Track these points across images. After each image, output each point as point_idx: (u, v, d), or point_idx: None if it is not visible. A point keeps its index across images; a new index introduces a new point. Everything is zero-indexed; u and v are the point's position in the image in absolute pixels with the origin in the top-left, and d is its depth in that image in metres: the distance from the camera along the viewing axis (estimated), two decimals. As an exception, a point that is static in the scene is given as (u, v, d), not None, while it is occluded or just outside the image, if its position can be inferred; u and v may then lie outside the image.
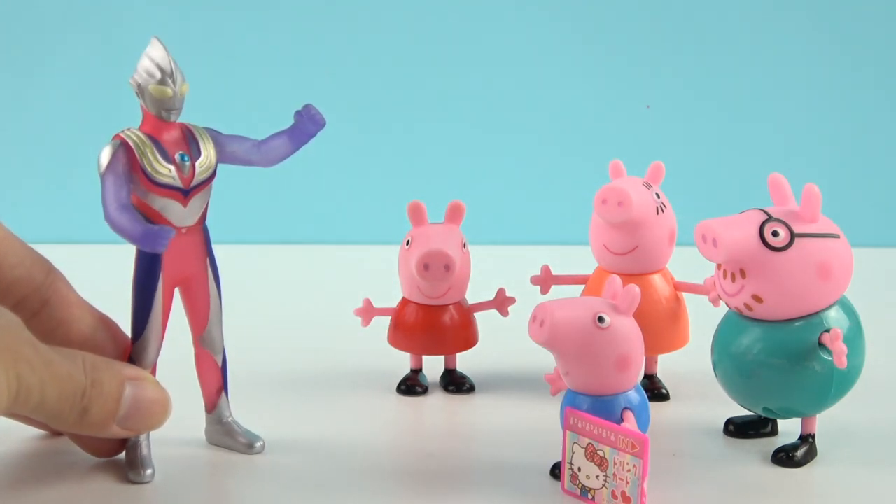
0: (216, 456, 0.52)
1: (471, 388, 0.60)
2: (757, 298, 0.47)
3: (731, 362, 0.49)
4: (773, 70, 0.92)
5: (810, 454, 0.50)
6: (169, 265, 0.48)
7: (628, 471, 0.45)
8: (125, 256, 0.49)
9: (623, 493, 0.46)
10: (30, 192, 0.94)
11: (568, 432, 0.47)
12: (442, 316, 0.58)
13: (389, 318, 0.60)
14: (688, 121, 0.92)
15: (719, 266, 0.48)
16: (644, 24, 0.92)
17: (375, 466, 0.51)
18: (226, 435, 0.53)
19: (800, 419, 0.50)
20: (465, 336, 0.59)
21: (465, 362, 0.61)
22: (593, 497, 0.47)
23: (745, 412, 0.53)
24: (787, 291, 0.47)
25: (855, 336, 0.49)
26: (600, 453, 0.46)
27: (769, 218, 0.47)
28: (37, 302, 0.48)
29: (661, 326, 0.57)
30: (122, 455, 0.50)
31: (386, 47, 0.92)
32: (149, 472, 0.49)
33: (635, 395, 0.47)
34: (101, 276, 0.65)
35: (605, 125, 0.92)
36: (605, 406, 0.47)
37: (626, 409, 0.47)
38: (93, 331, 0.49)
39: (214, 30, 0.91)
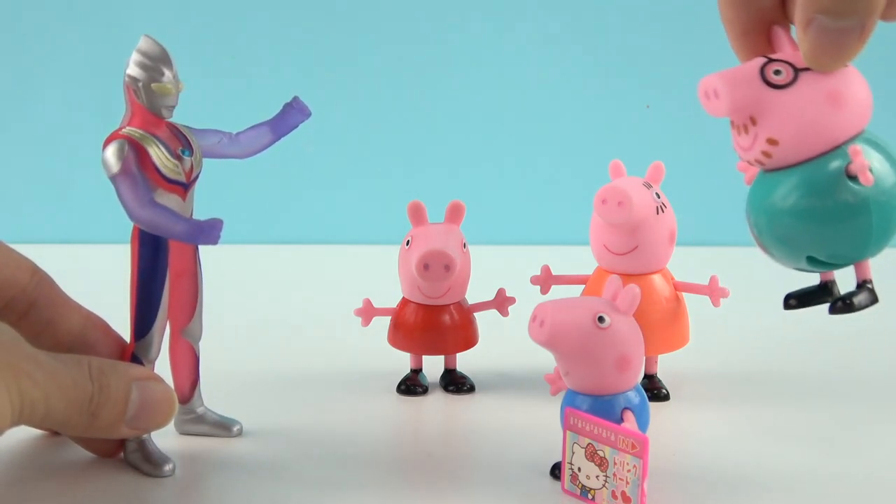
0: (209, 453, 0.52)
1: (471, 388, 0.60)
2: (772, 142, 0.45)
3: (765, 219, 0.47)
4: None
5: (870, 300, 0.48)
6: (171, 260, 0.49)
7: (628, 471, 0.45)
8: (124, 256, 0.49)
9: (623, 493, 0.46)
10: (30, 193, 0.94)
11: (568, 432, 0.47)
12: (442, 316, 0.58)
13: (389, 318, 0.60)
14: (688, 121, 0.92)
15: (733, 124, 0.46)
16: (644, 24, 0.92)
17: (375, 466, 0.51)
18: (200, 422, 0.53)
19: (852, 269, 0.48)
20: (465, 336, 0.59)
21: (465, 362, 0.61)
22: (593, 497, 0.47)
23: (800, 286, 0.49)
24: (800, 127, 0.44)
25: (888, 167, 0.45)
26: (600, 453, 0.46)
27: (770, 59, 0.45)
28: (23, 304, 0.48)
29: (661, 326, 0.57)
30: (122, 455, 0.51)
31: (386, 47, 0.92)
32: (169, 466, 0.50)
33: (635, 395, 0.47)
34: (99, 277, 0.65)
35: (605, 125, 0.92)
36: (605, 406, 0.47)
37: (626, 409, 0.47)
38: (82, 329, 0.49)
39: (214, 30, 0.91)
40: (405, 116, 0.93)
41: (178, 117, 0.49)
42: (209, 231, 0.45)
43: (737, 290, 0.58)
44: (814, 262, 0.47)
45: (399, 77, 0.92)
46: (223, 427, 0.53)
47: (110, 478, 0.50)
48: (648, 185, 0.56)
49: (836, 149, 0.45)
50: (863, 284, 0.47)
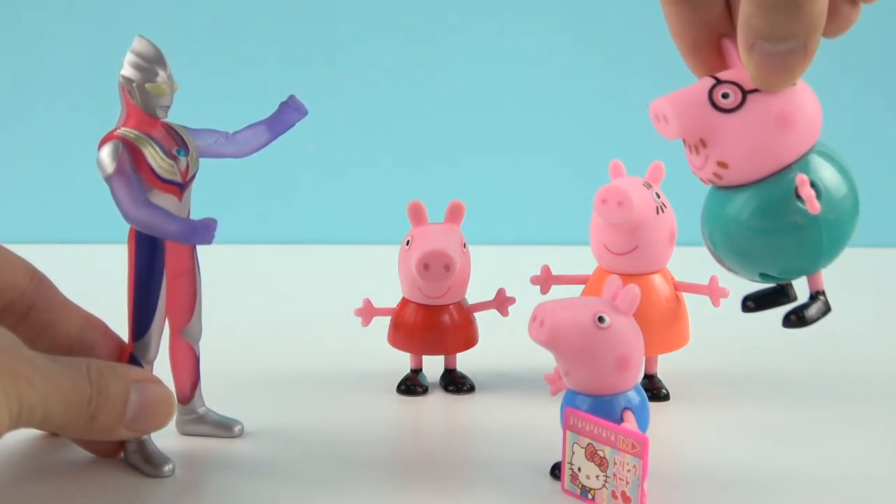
0: (209, 453, 0.52)
1: (471, 388, 0.60)
2: (722, 165, 0.45)
3: (719, 233, 0.47)
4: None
5: (822, 311, 0.48)
6: (168, 261, 0.49)
7: (628, 471, 0.45)
8: (123, 256, 0.49)
9: (623, 493, 0.46)
10: (29, 193, 0.94)
11: (568, 432, 0.47)
12: (442, 316, 0.58)
13: (389, 318, 0.60)
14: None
15: (685, 142, 0.46)
16: (644, 25, 0.92)
17: (375, 466, 0.51)
18: (202, 423, 0.53)
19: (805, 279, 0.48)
20: (465, 336, 0.59)
21: (465, 362, 0.61)
22: (593, 497, 0.47)
23: (757, 287, 0.50)
24: (749, 150, 0.44)
25: (839, 180, 0.46)
26: (600, 453, 0.46)
27: (718, 82, 0.45)
28: (22, 306, 0.48)
29: (661, 326, 0.57)
30: (122, 455, 0.51)
31: (386, 47, 0.92)
32: (169, 466, 0.50)
33: (635, 395, 0.47)
34: (99, 277, 0.65)
35: (605, 125, 0.92)
36: (605, 406, 0.47)
37: (626, 409, 0.47)
38: (81, 331, 0.50)
39: (214, 30, 0.91)
40: (405, 116, 0.93)
41: (177, 117, 0.49)
42: (203, 231, 0.45)
43: (737, 291, 0.58)
44: (766, 277, 0.47)
45: (399, 77, 0.92)
46: (224, 427, 0.53)
47: (110, 478, 0.50)
48: (648, 185, 0.56)
49: (787, 168, 0.45)
50: (815, 296, 0.48)
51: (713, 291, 0.57)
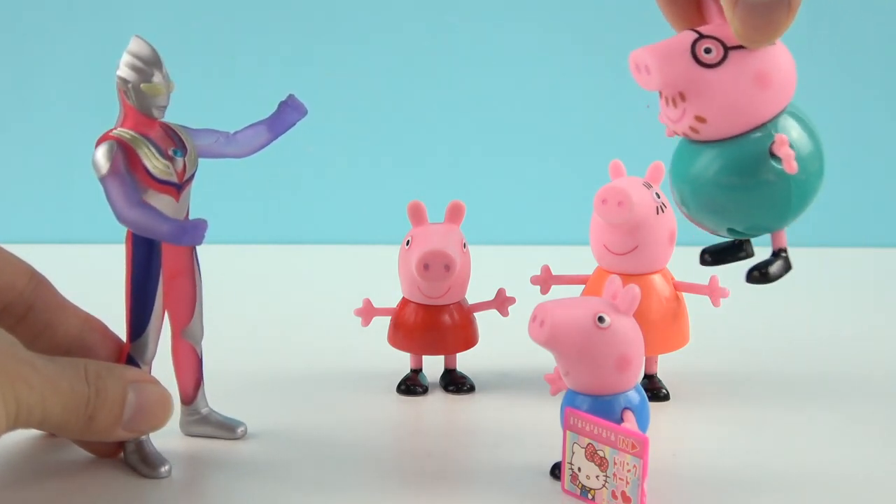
0: (210, 453, 0.52)
1: (471, 388, 0.60)
2: (700, 119, 0.45)
3: (688, 188, 0.48)
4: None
5: (784, 268, 0.48)
6: (164, 261, 0.49)
7: (628, 471, 0.45)
8: (122, 257, 0.49)
9: (623, 493, 0.46)
10: (29, 193, 0.94)
11: (568, 432, 0.47)
12: (442, 316, 0.58)
13: (389, 318, 0.60)
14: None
15: (661, 94, 0.47)
16: (643, 25, 0.92)
17: (375, 466, 0.51)
18: (205, 424, 0.53)
19: (770, 236, 0.49)
20: (465, 336, 0.59)
21: (465, 362, 0.61)
22: (593, 497, 0.47)
23: (717, 240, 0.51)
24: (728, 107, 0.45)
25: (807, 142, 0.47)
26: (600, 453, 0.46)
27: (700, 36, 0.45)
28: (21, 308, 0.48)
29: (661, 326, 0.57)
30: (122, 455, 0.51)
31: (386, 47, 0.92)
32: (165, 467, 0.50)
33: (635, 395, 0.47)
34: (98, 277, 0.65)
35: (605, 125, 0.92)
36: (605, 406, 0.47)
37: (626, 409, 0.47)
38: (80, 332, 0.49)
39: (214, 30, 0.91)
40: (405, 116, 0.93)
41: (176, 117, 0.49)
42: (193, 231, 0.45)
43: (737, 291, 0.58)
44: (734, 233, 0.48)
45: (399, 77, 0.92)
46: (227, 429, 0.53)
47: (110, 478, 0.50)
48: (648, 185, 0.56)
49: (762, 126, 0.45)
50: (778, 253, 0.48)
51: (713, 291, 0.57)
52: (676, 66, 0.45)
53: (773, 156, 0.45)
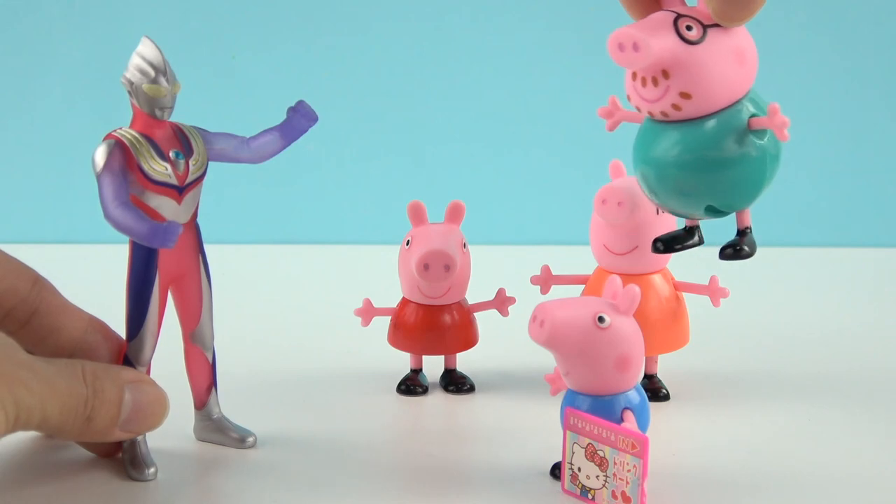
0: (210, 453, 0.52)
1: (471, 388, 0.60)
2: (685, 95, 0.46)
3: (655, 172, 0.48)
4: (771, 69, 0.92)
5: (754, 245, 0.49)
6: (164, 263, 0.49)
7: (628, 471, 0.45)
8: (123, 256, 0.49)
9: (623, 493, 0.46)
10: (29, 192, 0.94)
11: (568, 432, 0.47)
12: (442, 316, 0.58)
13: (389, 318, 0.60)
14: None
15: (634, 75, 0.48)
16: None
17: (375, 466, 0.51)
18: (216, 431, 0.53)
19: (732, 216, 0.49)
20: (465, 336, 0.59)
21: (465, 362, 0.61)
22: (593, 497, 0.47)
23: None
24: (713, 82, 0.46)
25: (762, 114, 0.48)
26: (600, 453, 0.46)
27: (679, 15, 0.46)
28: (25, 312, 0.48)
29: (661, 326, 0.57)
30: (121, 454, 0.51)
31: (386, 47, 0.92)
32: (151, 470, 0.49)
33: (635, 395, 0.47)
34: (99, 277, 0.65)
35: (605, 125, 0.92)
36: (605, 406, 0.47)
37: (626, 409, 0.47)
38: (83, 334, 0.49)
39: (215, 30, 0.91)
40: (405, 116, 0.93)
41: (181, 117, 0.49)
42: (163, 235, 0.45)
43: (737, 290, 0.58)
44: (711, 211, 0.48)
45: (399, 77, 0.92)
46: (237, 440, 0.53)
47: (110, 478, 0.50)
48: (648, 185, 0.56)
49: (737, 103, 0.47)
50: (744, 231, 0.49)
51: (713, 291, 0.57)
52: (665, 42, 0.45)
53: (752, 131, 0.46)
